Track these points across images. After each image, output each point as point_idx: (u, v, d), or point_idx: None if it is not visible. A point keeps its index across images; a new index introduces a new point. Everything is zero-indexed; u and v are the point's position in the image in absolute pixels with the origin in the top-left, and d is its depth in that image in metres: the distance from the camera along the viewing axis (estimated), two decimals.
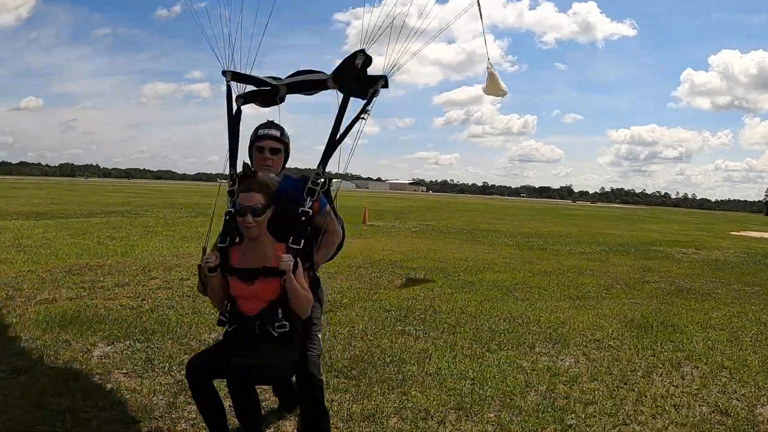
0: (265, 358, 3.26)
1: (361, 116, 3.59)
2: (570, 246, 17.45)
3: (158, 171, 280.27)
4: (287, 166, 3.79)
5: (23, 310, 6.62)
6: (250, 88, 3.93)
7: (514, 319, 7.11)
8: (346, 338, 5.95)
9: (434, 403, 4.35)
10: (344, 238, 3.90)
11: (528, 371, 5.12)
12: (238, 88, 3.88)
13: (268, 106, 4.04)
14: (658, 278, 11.47)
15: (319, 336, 3.74)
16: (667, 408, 4.49)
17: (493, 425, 4.03)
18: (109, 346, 5.47)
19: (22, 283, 8.14)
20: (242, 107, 3.87)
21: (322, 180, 3.54)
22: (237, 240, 3.48)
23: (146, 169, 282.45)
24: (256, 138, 3.60)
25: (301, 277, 3.28)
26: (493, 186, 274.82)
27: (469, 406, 4.33)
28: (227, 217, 3.53)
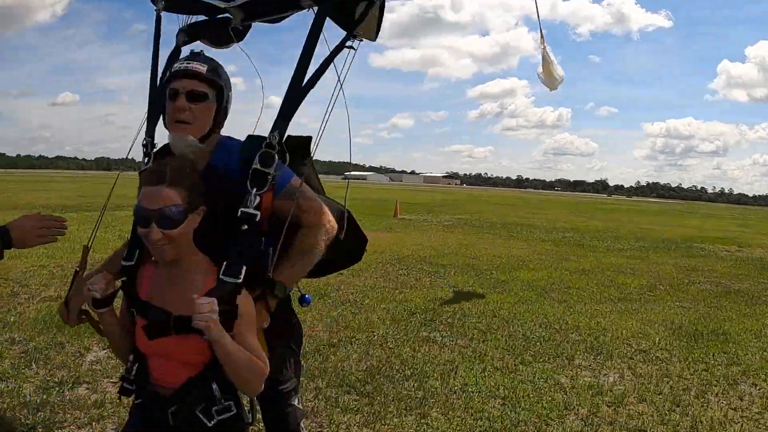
0: None
1: (347, 44, 2.22)
2: (608, 242, 16.71)
3: None
4: (223, 131, 2.30)
5: (24, 308, 6.33)
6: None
7: (550, 324, 6.47)
8: (363, 345, 5.39)
9: (457, 428, 3.78)
10: (344, 228, 2.35)
11: (567, 389, 4.50)
12: (179, 22, 2.67)
13: (222, 46, 2.75)
14: (703, 278, 10.70)
15: (295, 401, 2.57)
16: None
17: None
18: (103, 350, 5.06)
19: (30, 280, 7.85)
20: (184, 48, 2.57)
21: (278, 149, 2.06)
22: (152, 257, 2.02)
23: None
24: (167, 78, 2.18)
25: (249, 328, 1.93)
26: (527, 179, 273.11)
27: None
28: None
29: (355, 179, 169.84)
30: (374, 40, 2.49)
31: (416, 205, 32.29)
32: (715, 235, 22.61)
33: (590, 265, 11.57)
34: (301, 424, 2.62)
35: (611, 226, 24.47)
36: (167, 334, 1.86)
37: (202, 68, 2.09)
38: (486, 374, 4.76)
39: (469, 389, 4.40)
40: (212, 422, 1.91)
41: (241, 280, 1.88)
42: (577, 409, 4.12)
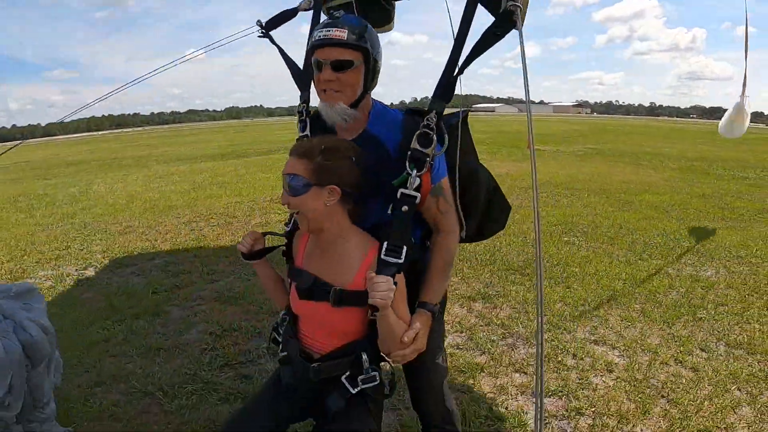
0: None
1: (495, 30, 1.94)
2: (734, 171, 16.95)
3: None
4: (374, 95, 2.21)
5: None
6: None
7: (667, 234, 8.01)
8: (520, 245, 7.31)
9: (591, 294, 5.59)
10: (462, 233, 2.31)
11: (672, 277, 6.15)
12: None
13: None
14: None
15: (440, 360, 2.47)
16: None
17: (637, 313, 5.17)
18: None
19: (235, 212, 10.31)
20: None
21: (435, 131, 1.98)
22: None
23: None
24: (311, 47, 2.07)
25: (402, 299, 2.00)
26: (660, 106, 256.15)
27: (619, 297, 5.52)
28: None
29: (484, 111, 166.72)
30: (519, 29, 1.95)
31: (548, 136, 32.83)
32: None
33: (711, 191, 12.37)
34: (445, 383, 2.53)
35: (742, 156, 24.02)
36: (314, 299, 2.02)
37: (343, 34, 1.96)
38: (612, 265, 6.54)
39: (600, 273, 6.23)
40: (356, 389, 2.04)
41: (402, 261, 1.91)
42: (678, 289, 5.79)
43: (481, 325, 4.93)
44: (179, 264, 6.90)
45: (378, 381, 2.06)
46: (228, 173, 16.36)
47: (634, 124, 65.44)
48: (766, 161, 21.36)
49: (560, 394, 3.78)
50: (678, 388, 3.83)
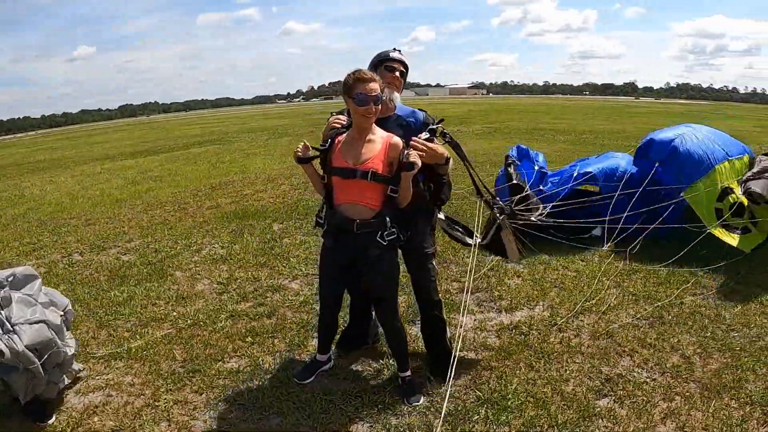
0: (378, 261, 3.45)
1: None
2: (619, 141, 19.09)
3: (216, 99, 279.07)
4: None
5: (202, 213, 9.65)
6: None
7: None
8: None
9: None
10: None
11: None
12: None
13: None
14: None
15: (433, 262, 3.87)
16: None
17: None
18: (281, 224, 8.58)
19: (186, 198, 11.17)
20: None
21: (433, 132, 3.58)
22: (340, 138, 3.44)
23: (205, 99, 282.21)
24: (387, 58, 3.62)
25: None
26: (554, 85, 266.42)
27: None
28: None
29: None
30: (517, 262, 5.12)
31: (448, 117, 33.78)
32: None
33: None
34: (435, 281, 3.88)
35: (628, 128, 26.57)
36: (355, 177, 3.26)
37: (406, 60, 3.66)
38: None
39: None
40: (386, 241, 3.37)
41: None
42: None
43: None
44: (159, 242, 7.89)
45: (396, 235, 3.39)
46: (155, 168, 16.83)
47: (529, 103, 68.77)
48: (645, 131, 23.97)
49: (485, 289, 5.61)
50: (566, 281, 5.69)
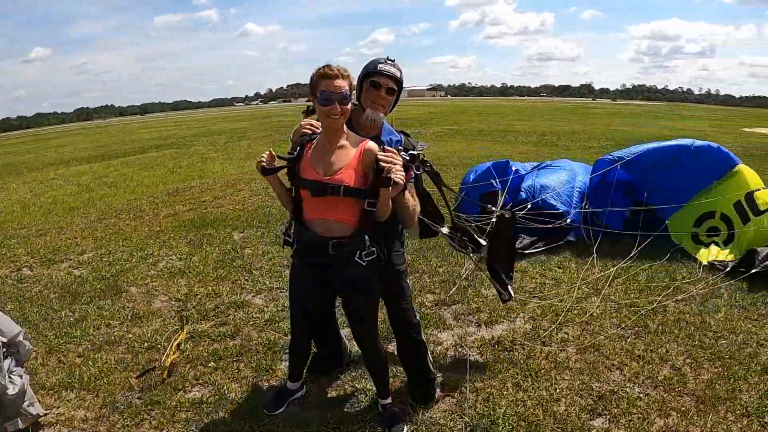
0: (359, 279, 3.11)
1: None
2: (580, 142, 19.55)
3: (174, 102, 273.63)
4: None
5: (159, 221, 9.15)
6: None
7: None
8: None
9: None
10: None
11: None
12: None
13: None
14: None
15: (408, 281, 3.58)
16: None
17: None
18: (242, 233, 8.16)
19: (142, 206, 10.64)
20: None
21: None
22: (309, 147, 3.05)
23: (162, 102, 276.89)
24: (374, 71, 3.13)
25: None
26: (512, 87, 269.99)
27: None
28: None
29: None
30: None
31: (408, 120, 34.00)
32: (683, 134, 23.88)
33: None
34: (410, 300, 3.56)
35: (588, 129, 27.04)
36: (332, 194, 2.87)
37: (398, 73, 3.13)
38: None
39: None
40: (364, 262, 3.03)
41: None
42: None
43: None
44: (113, 254, 7.42)
45: (376, 254, 3.07)
46: (111, 174, 16.26)
47: (488, 104, 69.37)
48: (607, 132, 24.41)
49: (461, 301, 5.37)
50: (544, 290, 5.50)
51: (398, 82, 3.16)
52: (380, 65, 3.14)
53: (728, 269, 5.89)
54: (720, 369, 4.05)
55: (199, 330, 4.92)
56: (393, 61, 3.21)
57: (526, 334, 4.66)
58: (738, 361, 4.14)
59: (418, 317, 3.68)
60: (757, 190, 6.41)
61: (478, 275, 5.83)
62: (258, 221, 8.72)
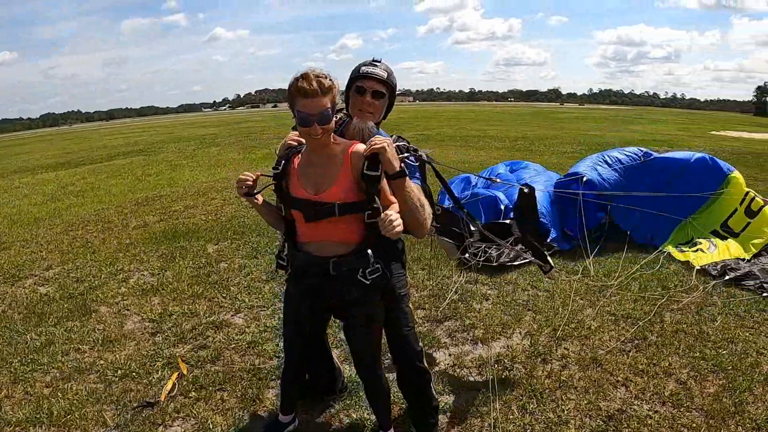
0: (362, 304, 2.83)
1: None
2: (553, 147, 19.67)
3: (141, 108, 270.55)
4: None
5: (129, 233, 8.72)
6: None
7: None
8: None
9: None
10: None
11: None
12: None
13: None
14: None
15: (410, 305, 3.28)
16: None
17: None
18: (216, 245, 7.80)
19: (110, 216, 10.16)
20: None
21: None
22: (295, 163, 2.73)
23: (129, 107, 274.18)
24: (356, 76, 2.93)
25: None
26: (480, 92, 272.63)
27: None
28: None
29: None
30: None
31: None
32: (653, 137, 24.91)
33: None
34: (412, 327, 3.22)
35: (559, 133, 27.37)
36: (327, 216, 2.59)
37: (383, 74, 2.89)
38: None
39: None
40: (368, 280, 2.70)
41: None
42: None
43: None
44: (81, 269, 7.00)
45: (381, 272, 2.73)
46: (77, 182, 15.68)
47: (457, 110, 69.94)
48: (579, 137, 24.67)
49: (454, 317, 5.09)
50: (538, 302, 5.26)
51: (386, 84, 2.92)
52: (363, 67, 2.94)
53: (720, 272, 5.94)
54: (724, 381, 3.96)
55: (177, 354, 4.59)
56: (379, 61, 2.98)
57: (524, 351, 4.47)
58: (741, 372, 4.06)
59: (420, 344, 3.36)
60: (729, 218, 6.81)
61: (468, 290, 5.64)
62: (232, 232, 8.37)
